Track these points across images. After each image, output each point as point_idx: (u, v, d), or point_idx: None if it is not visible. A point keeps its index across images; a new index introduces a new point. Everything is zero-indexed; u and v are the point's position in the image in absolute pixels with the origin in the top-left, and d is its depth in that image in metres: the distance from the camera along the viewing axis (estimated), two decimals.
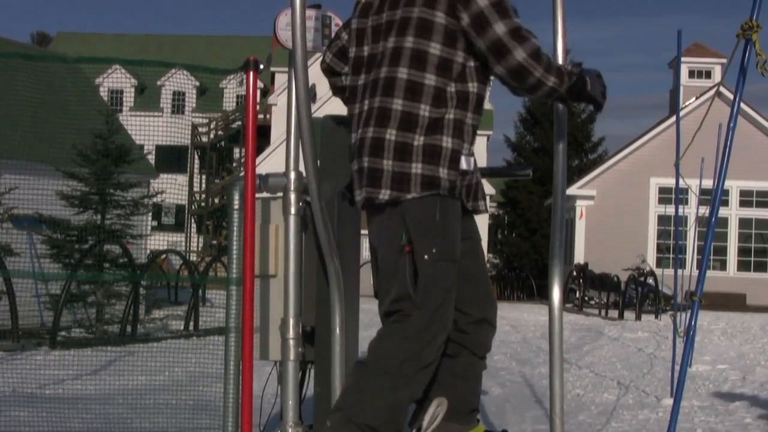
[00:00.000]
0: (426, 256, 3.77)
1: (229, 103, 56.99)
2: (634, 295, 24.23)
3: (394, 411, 3.80)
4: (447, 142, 3.80)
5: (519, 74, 3.75)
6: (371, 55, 3.98)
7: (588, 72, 3.93)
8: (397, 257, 3.82)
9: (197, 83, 56.88)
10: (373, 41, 3.99)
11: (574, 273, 28.73)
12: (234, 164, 53.87)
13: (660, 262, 28.82)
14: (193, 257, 35.69)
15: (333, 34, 4.44)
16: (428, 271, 3.78)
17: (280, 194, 4.37)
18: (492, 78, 3.98)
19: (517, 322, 20.28)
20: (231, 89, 56.78)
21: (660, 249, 31.02)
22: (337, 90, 4.33)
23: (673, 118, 23.78)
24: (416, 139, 3.77)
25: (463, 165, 3.85)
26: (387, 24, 3.92)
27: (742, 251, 32.51)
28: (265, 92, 49.01)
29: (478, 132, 4.01)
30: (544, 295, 27.77)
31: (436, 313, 3.81)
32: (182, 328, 16.99)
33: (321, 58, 4.32)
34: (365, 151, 3.85)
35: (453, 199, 3.86)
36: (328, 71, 4.29)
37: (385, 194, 3.80)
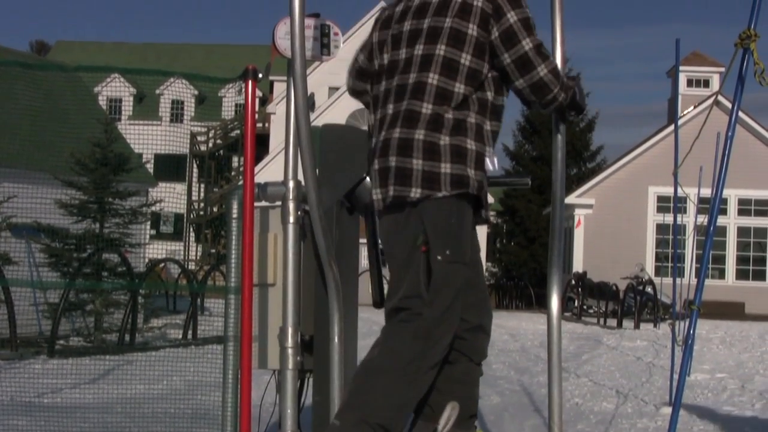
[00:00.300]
0: (440, 257, 3.86)
1: (227, 111, 57.07)
2: (633, 303, 24.23)
3: (403, 410, 3.87)
4: (471, 144, 3.93)
5: (540, 89, 3.96)
6: (392, 61, 4.11)
7: (578, 83, 4.13)
8: (410, 254, 3.90)
9: (196, 92, 56.93)
10: (393, 48, 4.11)
11: (573, 282, 28.73)
12: (233, 173, 53.93)
13: (658, 271, 28.80)
14: (192, 266, 35.71)
15: (332, 43, 4.48)
16: (441, 272, 3.87)
17: (278, 203, 4.37)
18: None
19: (516, 330, 20.27)
20: (230, 98, 56.85)
21: (658, 258, 31.02)
22: (369, 107, 4.44)
23: (672, 127, 23.79)
24: (442, 139, 3.89)
25: (489, 166, 4.00)
26: (411, 32, 4.05)
27: (741, 260, 32.53)
28: (264, 101, 49.11)
29: None
30: (542, 304, 27.73)
31: (445, 313, 3.88)
32: (181, 336, 16.96)
33: (346, 84, 4.49)
34: (392, 151, 3.94)
35: (468, 204, 3.96)
36: (354, 93, 4.45)
37: (416, 192, 3.88)
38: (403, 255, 3.94)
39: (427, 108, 3.92)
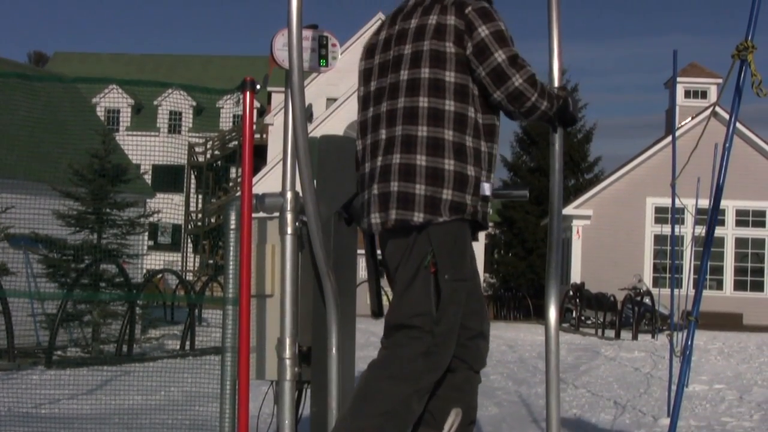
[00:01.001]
0: (446, 276, 3.97)
1: (225, 122, 57.09)
2: (631, 314, 24.23)
3: (412, 422, 4.04)
4: (470, 170, 4.02)
5: (517, 98, 3.99)
6: (378, 89, 4.19)
7: (571, 96, 4.18)
8: (417, 274, 3.99)
9: (194, 103, 56.98)
10: (380, 76, 4.20)
11: (571, 292, 28.72)
12: (230, 184, 53.92)
13: (656, 282, 28.80)
14: (190, 277, 35.68)
15: (330, 55, 4.51)
16: (448, 290, 3.98)
17: (276, 214, 4.37)
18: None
19: (514, 341, 20.26)
20: (228, 109, 56.88)
21: (656, 268, 31.03)
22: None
23: (669, 138, 23.83)
24: (446, 164, 3.98)
25: (486, 191, 4.07)
26: (395, 59, 4.14)
27: (739, 271, 32.52)
28: (262, 112, 49.16)
29: None
30: (540, 315, 27.75)
31: (451, 329, 4.02)
32: (178, 347, 16.94)
33: None
34: (393, 176, 4.02)
35: (468, 226, 4.08)
36: None
37: (419, 216, 3.97)
38: (408, 274, 4.01)
39: (422, 131, 4.00)
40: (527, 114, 4.04)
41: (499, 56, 3.96)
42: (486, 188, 4.06)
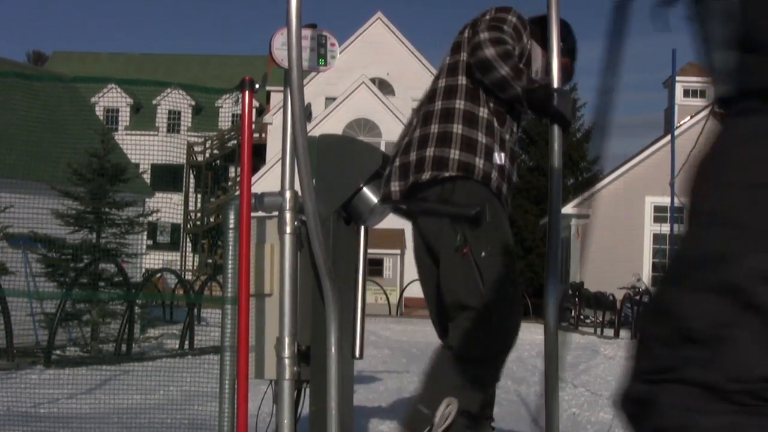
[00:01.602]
0: (483, 253, 4.15)
1: (224, 122, 57.09)
2: (630, 313, 24.22)
3: (486, 400, 4.33)
4: (481, 137, 4.24)
5: (474, 49, 4.21)
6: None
7: (559, 90, 4.22)
8: (454, 257, 4.17)
9: (193, 102, 56.95)
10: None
11: (570, 292, 28.71)
12: (229, 183, 53.93)
13: (656, 281, 28.75)
14: (189, 276, 35.68)
15: (328, 54, 4.53)
16: (488, 267, 4.16)
17: (275, 213, 4.37)
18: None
19: None
20: (227, 108, 56.87)
21: (656, 268, 31.03)
22: None
23: (668, 137, 23.85)
24: (455, 128, 4.23)
25: (497, 160, 4.26)
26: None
27: None
28: (261, 111, 49.15)
29: None
30: (539, 314, 27.74)
31: (507, 302, 4.23)
32: (177, 347, 16.93)
33: None
34: (413, 147, 4.32)
35: (495, 200, 4.28)
36: None
37: (427, 175, 4.20)
38: (450, 257, 4.18)
39: (438, 105, 4.29)
40: (481, 67, 4.18)
41: (483, 26, 4.24)
42: (499, 157, 4.24)
